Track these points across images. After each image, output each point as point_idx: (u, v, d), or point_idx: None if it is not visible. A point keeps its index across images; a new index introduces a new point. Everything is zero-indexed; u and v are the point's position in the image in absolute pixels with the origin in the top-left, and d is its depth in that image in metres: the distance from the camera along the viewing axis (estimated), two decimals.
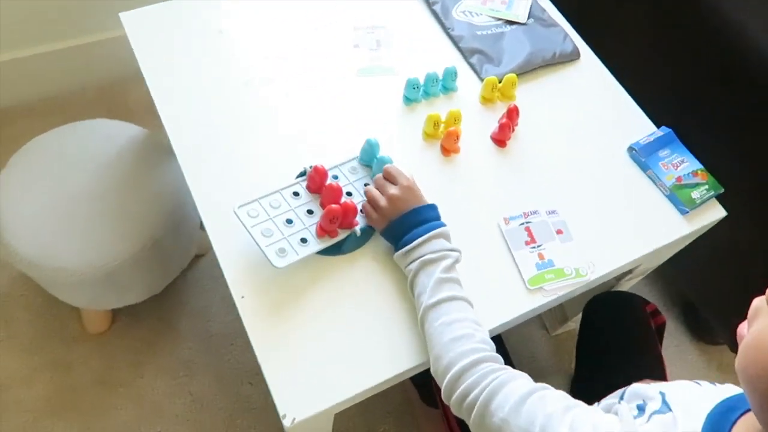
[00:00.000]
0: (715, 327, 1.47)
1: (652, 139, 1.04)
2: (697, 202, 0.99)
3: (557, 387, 0.67)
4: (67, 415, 1.31)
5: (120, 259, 1.13)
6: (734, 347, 1.48)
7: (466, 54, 1.12)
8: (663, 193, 1.01)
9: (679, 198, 0.99)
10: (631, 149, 1.05)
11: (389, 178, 0.87)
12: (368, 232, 0.89)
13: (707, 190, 1.00)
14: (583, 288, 0.92)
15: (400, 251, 0.81)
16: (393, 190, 0.84)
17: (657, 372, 1.04)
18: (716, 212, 1.01)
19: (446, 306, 0.74)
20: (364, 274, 0.87)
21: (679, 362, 1.56)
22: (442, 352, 0.71)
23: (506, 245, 0.92)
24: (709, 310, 1.45)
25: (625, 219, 0.98)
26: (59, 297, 1.25)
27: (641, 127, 1.09)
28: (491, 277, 0.89)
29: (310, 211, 0.87)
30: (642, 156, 1.03)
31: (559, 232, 0.94)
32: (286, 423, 0.74)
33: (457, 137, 0.98)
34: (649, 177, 1.03)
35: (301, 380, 0.77)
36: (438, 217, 0.84)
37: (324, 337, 0.81)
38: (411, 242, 0.80)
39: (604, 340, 1.09)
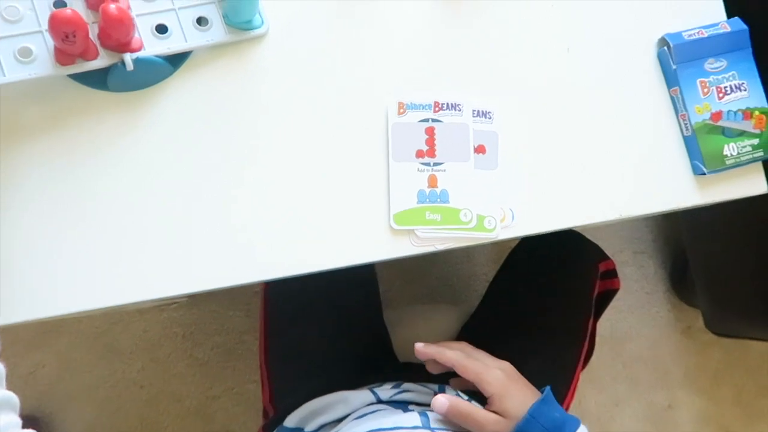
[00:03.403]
0: (699, 293, 1.15)
1: (705, 35, 0.61)
2: (727, 162, 0.60)
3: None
4: None
5: None
6: (711, 323, 1.18)
7: None
8: (681, 130, 0.62)
9: (701, 147, 0.60)
10: (663, 43, 0.62)
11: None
12: (160, 68, 0.53)
13: (754, 148, 0.60)
14: (478, 243, 0.59)
15: None
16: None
17: (566, 355, 0.76)
18: (752, 185, 0.62)
19: None
20: (138, 131, 0.54)
21: (639, 311, 1.28)
22: None
23: (385, 149, 0.57)
24: (700, 277, 1.11)
25: (597, 157, 0.60)
26: None
27: (705, 11, 0.64)
28: (344, 196, 0.56)
29: (61, 3, 0.51)
30: (675, 60, 0.60)
31: (479, 149, 0.58)
32: None
33: None
34: (672, 98, 0.62)
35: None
36: None
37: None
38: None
39: (523, 285, 0.80)
